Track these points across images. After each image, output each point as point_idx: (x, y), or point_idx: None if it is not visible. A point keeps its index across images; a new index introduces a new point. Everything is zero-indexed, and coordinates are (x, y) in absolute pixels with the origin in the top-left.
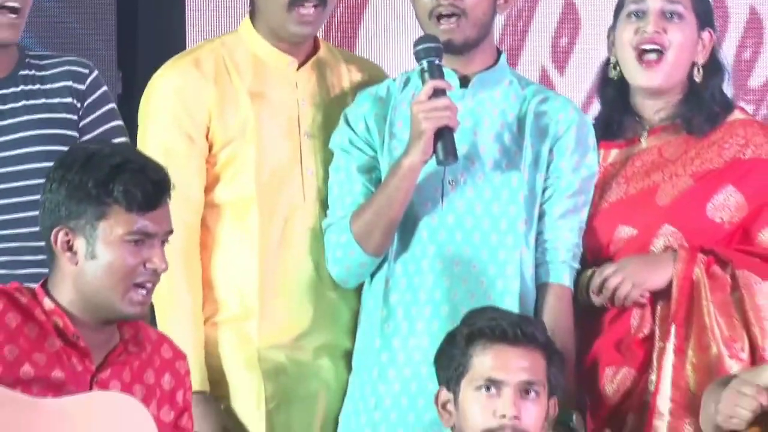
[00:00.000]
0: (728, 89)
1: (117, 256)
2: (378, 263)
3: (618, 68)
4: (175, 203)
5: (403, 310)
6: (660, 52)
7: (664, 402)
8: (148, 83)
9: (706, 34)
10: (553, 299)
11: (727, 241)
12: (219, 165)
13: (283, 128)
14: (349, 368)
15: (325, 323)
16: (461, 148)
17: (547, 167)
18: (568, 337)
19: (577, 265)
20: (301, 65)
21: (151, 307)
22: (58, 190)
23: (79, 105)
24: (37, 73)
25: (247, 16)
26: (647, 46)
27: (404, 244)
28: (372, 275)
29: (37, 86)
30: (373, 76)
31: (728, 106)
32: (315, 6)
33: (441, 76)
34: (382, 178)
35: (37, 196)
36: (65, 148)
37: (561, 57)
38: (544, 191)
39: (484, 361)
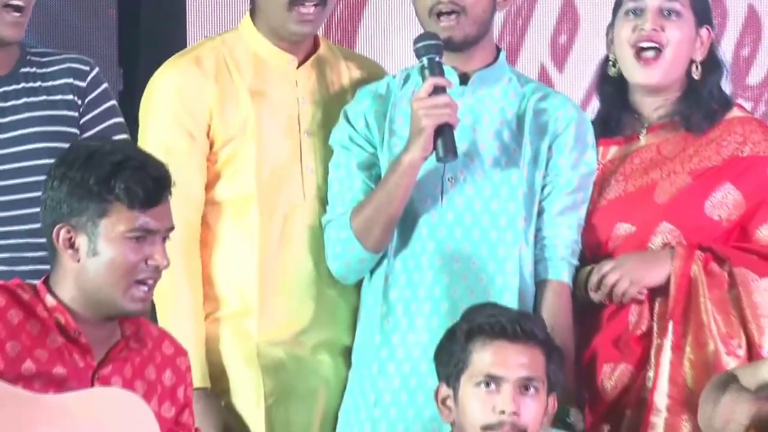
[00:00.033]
0: (727, 86)
1: (119, 253)
2: (377, 259)
3: (617, 66)
4: (176, 200)
5: (403, 307)
6: (658, 50)
7: (661, 398)
8: (149, 81)
9: (704, 32)
10: (552, 296)
11: (725, 239)
12: (220, 163)
13: (283, 126)
14: (349, 364)
15: (324, 320)
16: (461, 146)
17: (546, 164)
18: (568, 334)
19: (576, 262)
20: (301, 63)
21: (152, 304)
22: (60, 188)
23: (79, 102)
24: (38, 71)
25: (248, 14)
26: (645, 44)
27: (404, 241)
28: (371, 271)
29: (38, 83)
30: (373, 73)
31: (727, 103)
32: (315, 5)
33: (441, 73)
34: (382, 175)
35: (38, 193)
36: (66, 145)
37: (560, 54)
38: (543, 188)
39: (484, 357)
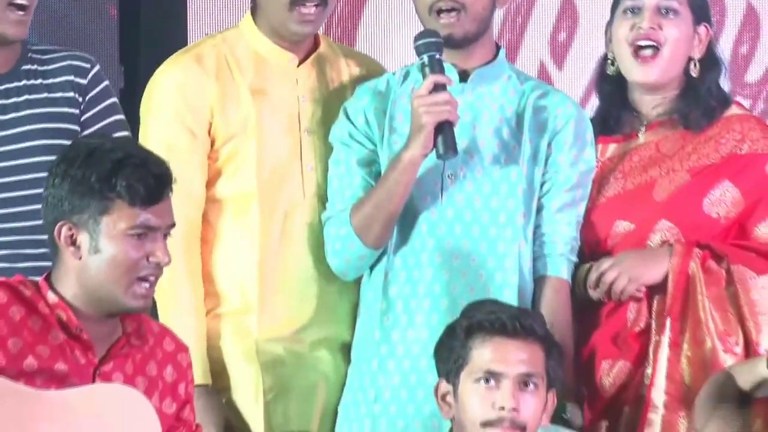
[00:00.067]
0: (725, 84)
1: (120, 250)
2: (377, 256)
3: (615, 64)
4: (177, 198)
5: (403, 303)
6: (656, 48)
7: (658, 395)
8: (150, 79)
9: (702, 29)
10: (551, 292)
11: (724, 236)
12: (221, 160)
13: (283, 125)
14: (348, 360)
15: (324, 318)
16: (460, 143)
17: (546, 161)
18: (567, 330)
19: (575, 259)
20: (301, 62)
21: (153, 301)
22: (61, 185)
23: (80, 99)
24: (40, 68)
25: (249, 12)
26: (643, 42)
27: (403, 238)
28: (371, 268)
29: (40, 81)
30: (372, 70)
31: (725, 100)
32: (316, 5)
33: (441, 70)
34: (382, 172)
35: (39, 190)
36: (67, 142)
37: (559, 52)
38: (542, 185)
39: (484, 353)
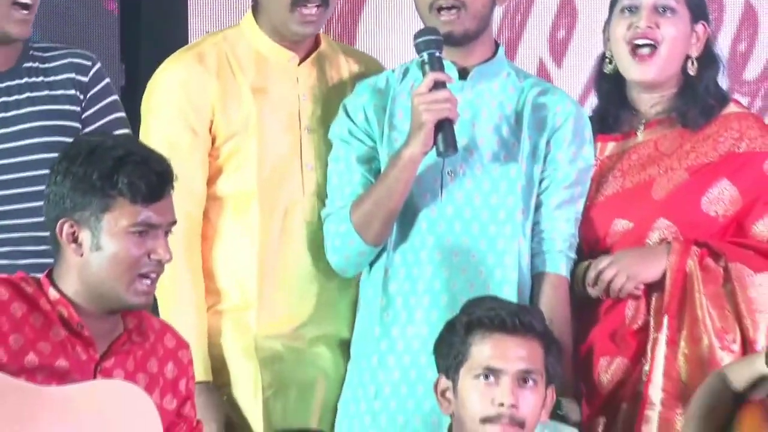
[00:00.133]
0: (724, 82)
1: (122, 248)
2: (377, 253)
3: (613, 63)
4: (178, 195)
5: (402, 300)
6: (653, 47)
7: (655, 392)
8: (151, 76)
9: (699, 27)
10: (550, 288)
11: (722, 234)
12: (221, 158)
13: (284, 123)
14: (347, 357)
15: (323, 315)
16: (460, 140)
17: (545, 159)
18: (566, 327)
19: (573, 255)
20: (302, 60)
21: (154, 298)
22: (63, 183)
23: (81, 97)
24: (41, 66)
25: (250, 11)
26: (640, 41)
27: (403, 235)
28: (370, 265)
29: (41, 78)
30: (371, 68)
31: (723, 98)
32: (317, 6)
33: (441, 68)
34: (381, 169)
35: (40, 187)
36: (68, 140)
37: (558, 49)
38: (541, 182)
39: (483, 349)
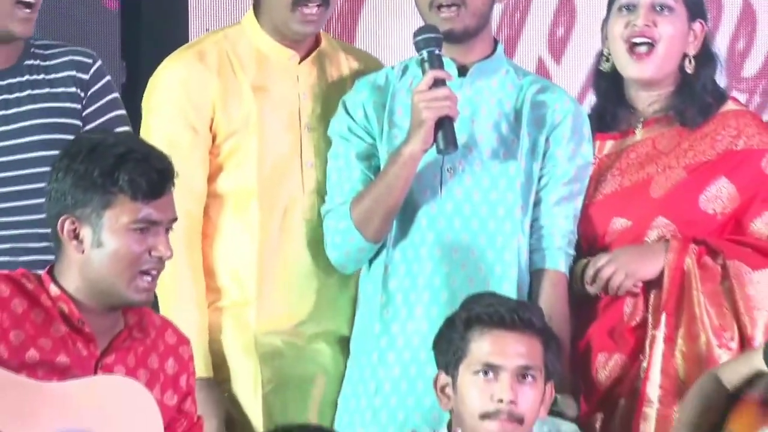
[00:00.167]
0: (722, 80)
1: (122, 244)
2: (376, 249)
3: (611, 61)
4: (179, 192)
5: (402, 296)
6: (650, 45)
7: (653, 389)
8: (151, 74)
9: (697, 26)
10: (548, 285)
11: (720, 232)
12: (222, 156)
13: (284, 122)
14: (346, 353)
15: (323, 312)
16: (459, 137)
17: (544, 156)
18: (564, 323)
19: (572, 252)
20: (302, 59)
21: (155, 294)
22: (64, 180)
23: (82, 94)
24: (42, 63)
25: (251, 10)
26: (637, 39)
27: (403, 231)
28: (370, 261)
29: (42, 76)
30: (370, 66)
31: (721, 96)
32: (318, 5)
33: (441, 66)
34: (381, 166)
35: (40, 185)
36: (69, 137)
37: (557, 47)
38: (539, 179)
39: (482, 346)
